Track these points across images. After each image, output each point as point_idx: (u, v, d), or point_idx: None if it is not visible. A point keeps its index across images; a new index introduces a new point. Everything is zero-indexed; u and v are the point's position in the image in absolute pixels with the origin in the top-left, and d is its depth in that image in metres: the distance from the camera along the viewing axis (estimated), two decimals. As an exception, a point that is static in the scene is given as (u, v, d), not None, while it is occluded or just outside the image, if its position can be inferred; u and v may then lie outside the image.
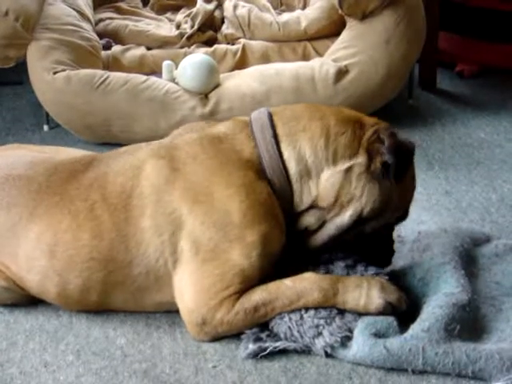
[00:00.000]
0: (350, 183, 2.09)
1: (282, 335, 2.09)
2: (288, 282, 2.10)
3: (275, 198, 2.13)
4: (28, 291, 2.30)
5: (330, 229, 2.13)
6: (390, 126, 2.14)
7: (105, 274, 2.17)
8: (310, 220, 2.15)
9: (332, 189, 2.09)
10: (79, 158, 2.41)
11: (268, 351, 2.07)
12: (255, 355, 2.07)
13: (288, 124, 2.17)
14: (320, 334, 2.05)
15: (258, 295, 2.09)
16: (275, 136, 2.15)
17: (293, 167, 2.12)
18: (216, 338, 2.13)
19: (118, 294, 2.21)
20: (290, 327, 2.07)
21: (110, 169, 2.25)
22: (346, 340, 2.03)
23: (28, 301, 2.34)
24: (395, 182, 2.11)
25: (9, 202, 2.27)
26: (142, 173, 2.19)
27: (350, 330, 2.05)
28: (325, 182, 2.09)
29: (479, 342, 2.03)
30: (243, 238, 2.08)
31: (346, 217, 2.11)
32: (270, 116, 2.20)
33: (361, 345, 2.00)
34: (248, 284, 2.10)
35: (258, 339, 2.09)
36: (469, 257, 2.43)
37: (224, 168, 2.13)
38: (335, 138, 2.11)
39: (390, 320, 2.06)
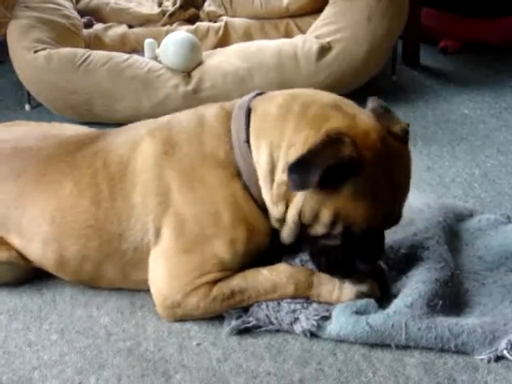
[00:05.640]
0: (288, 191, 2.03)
1: (261, 323, 2.09)
2: (265, 272, 2.11)
3: (251, 200, 2.11)
4: (29, 263, 2.31)
5: (285, 230, 2.10)
6: (339, 133, 1.93)
7: (99, 243, 2.18)
8: (272, 222, 2.12)
9: (279, 196, 2.05)
10: (90, 132, 2.48)
11: (251, 325, 2.08)
12: (239, 330, 2.08)
13: (257, 125, 2.11)
14: (297, 319, 2.06)
15: (236, 281, 2.10)
16: (248, 139, 2.10)
17: (259, 172, 2.08)
18: (187, 320, 2.15)
19: (109, 267, 2.22)
20: (267, 315, 2.08)
21: (115, 140, 2.28)
22: (323, 321, 2.04)
23: (22, 279, 2.35)
24: (326, 192, 1.96)
25: (17, 171, 2.29)
26: (138, 148, 2.21)
27: (328, 311, 2.06)
28: (275, 190, 2.05)
29: (462, 317, 2.04)
30: (220, 236, 2.08)
31: (289, 222, 2.06)
32: (249, 112, 2.14)
33: (343, 323, 2.01)
34: (226, 273, 2.11)
35: (240, 317, 2.10)
36: (452, 232, 2.45)
37: (203, 165, 2.12)
38: (287, 150, 2.02)
39: (368, 299, 2.08)
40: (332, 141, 1.91)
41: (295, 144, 2.01)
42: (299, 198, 2.01)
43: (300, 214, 2.02)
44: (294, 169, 1.92)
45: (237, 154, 2.11)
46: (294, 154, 1.99)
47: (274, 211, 2.08)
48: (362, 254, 2.05)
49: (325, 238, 2.04)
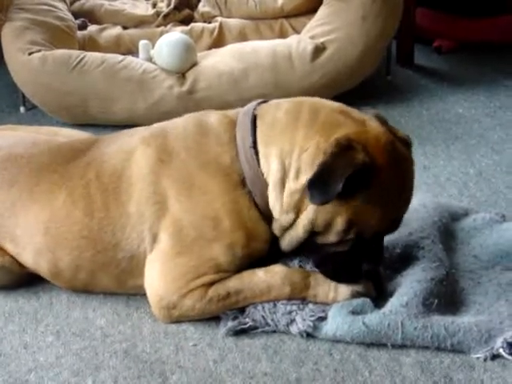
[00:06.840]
0: (303, 199, 2.01)
1: (257, 324, 2.09)
2: (261, 273, 2.11)
3: (253, 206, 2.10)
4: (23, 268, 2.30)
5: (288, 238, 2.10)
6: (349, 139, 1.93)
7: (93, 253, 2.18)
8: (274, 229, 2.12)
9: (291, 204, 2.03)
10: (83, 139, 2.46)
11: (247, 326, 2.08)
12: (235, 331, 2.08)
13: (265, 132, 2.10)
14: (293, 320, 2.06)
15: (232, 283, 2.10)
16: (254, 145, 2.09)
17: (269, 180, 2.07)
18: (182, 321, 2.15)
19: (103, 276, 2.22)
20: (263, 316, 2.08)
21: (108, 149, 2.26)
22: (319, 321, 2.04)
23: (18, 283, 2.34)
24: (340, 200, 1.95)
25: (10, 180, 2.28)
26: (131, 158, 2.19)
27: (324, 311, 2.06)
28: (287, 198, 2.04)
29: (458, 316, 2.04)
30: (219, 241, 2.08)
31: (299, 230, 2.05)
32: (254, 119, 2.13)
33: (340, 323, 2.01)
34: (222, 275, 2.10)
35: (236, 318, 2.10)
36: (447, 231, 2.45)
37: (203, 172, 2.11)
38: (298, 157, 2.01)
39: (364, 298, 2.08)
40: (344, 149, 1.92)
41: (307, 150, 2.00)
42: (312, 208, 2.00)
43: (313, 223, 2.02)
44: (314, 184, 1.93)
45: (242, 161, 2.10)
46: (308, 158, 1.99)
47: (283, 219, 2.07)
48: (367, 256, 2.06)
49: (334, 245, 2.04)
